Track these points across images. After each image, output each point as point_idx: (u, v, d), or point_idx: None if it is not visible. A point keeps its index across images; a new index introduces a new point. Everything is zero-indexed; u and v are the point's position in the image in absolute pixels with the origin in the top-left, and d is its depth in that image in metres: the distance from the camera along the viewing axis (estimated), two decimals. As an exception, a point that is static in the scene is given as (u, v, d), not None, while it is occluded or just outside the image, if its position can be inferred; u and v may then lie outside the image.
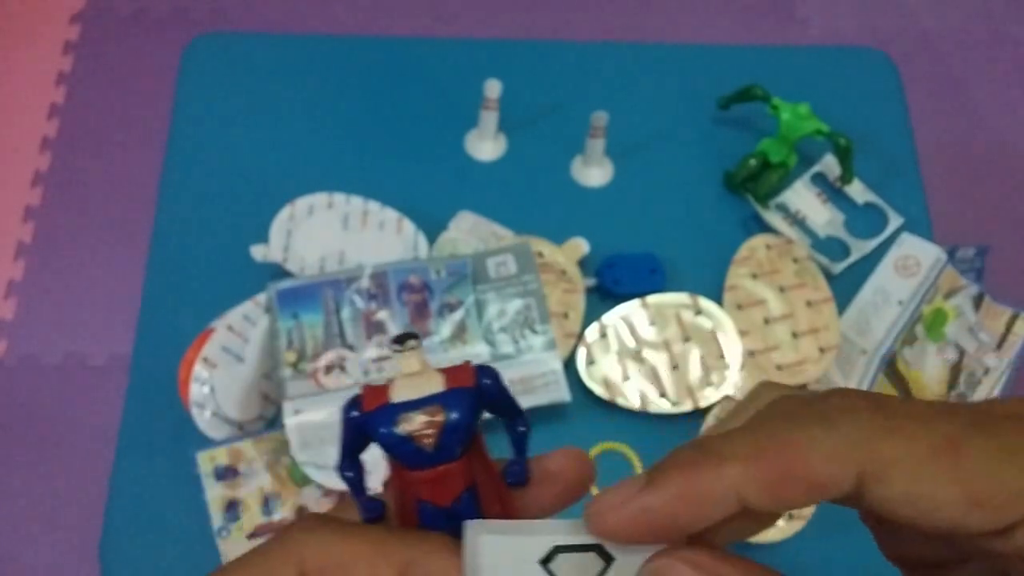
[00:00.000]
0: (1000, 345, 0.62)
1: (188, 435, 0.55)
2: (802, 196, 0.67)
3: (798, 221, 0.67)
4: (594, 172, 0.67)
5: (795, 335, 0.60)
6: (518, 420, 0.25)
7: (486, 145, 0.68)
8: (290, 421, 0.54)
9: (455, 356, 0.57)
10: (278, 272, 0.60)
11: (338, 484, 0.53)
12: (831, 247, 0.66)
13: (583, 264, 0.63)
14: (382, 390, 0.24)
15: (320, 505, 0.54)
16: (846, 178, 0.67)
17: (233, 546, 0.53)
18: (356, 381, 0.55)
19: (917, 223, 0.67)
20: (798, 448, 0.21)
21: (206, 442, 0.55)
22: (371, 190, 0.63)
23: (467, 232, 0.63)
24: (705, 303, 0.61)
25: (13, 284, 1.41)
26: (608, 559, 0.24)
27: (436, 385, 0.24)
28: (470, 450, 0.24)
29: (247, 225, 0.62)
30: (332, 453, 0.54)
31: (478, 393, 0.24)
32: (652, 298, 0.61)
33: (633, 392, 0.58)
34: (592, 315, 0.60)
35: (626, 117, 0.67)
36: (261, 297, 0.58)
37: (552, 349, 0.58)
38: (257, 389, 0.56)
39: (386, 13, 1.64)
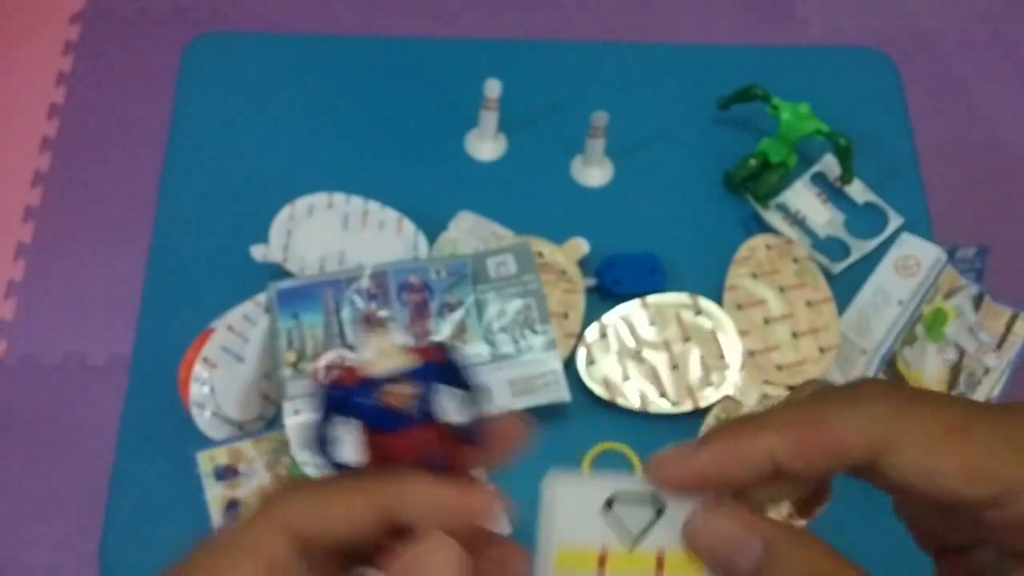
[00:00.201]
0: (1000, 345, 0.62)
1: (188, 435, 0.55)
2: (802, 196, 0.67)
3: (798, 221, 0.67)
4: (594, 172, 0.67)
5: (795, 335, 0.60)
6: (476, 395, 0.28)
7: (486, 145, 0.68)
8: (290, 421, 0.54)
9: (455, 356, 0.57)
10: (278, 272, 0.60)
11: (338, 484, 0.53)
12: (831, 247, 0.66)
13: (583, 264, 0.63)
14: (359, 369, 0.27)
15: (320, 505, 0.54)
16: (846, 178, 0.67)
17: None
18: (356, 381, 0.55)
19: (917, 223, 0.67)
20: (826, 420, 0.25)
21: (206, 442, 0.55)
22: (371, 190, 0.63)
23: (467, 232, 0.63)
24: (705, 303, 0.61)
25: (13, 284, 1.41)
26: (660, 509, 0.28)
27: (409, 361, 0.27)
28: (435, 420, 0.27)
29: (247, 225, 0.62)
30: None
31: (447, 367, 0.27)
32: (652, 298, 0.61)
33: (633, 392, 0.58)
34: (592, 315, 0.60)
35: (626, 117, 0.67)
36: (261, 297, 0.58)
37: (552, 349, 0.58)
38: (257, 389, 0.56)
39: (386, 13, 1.64)
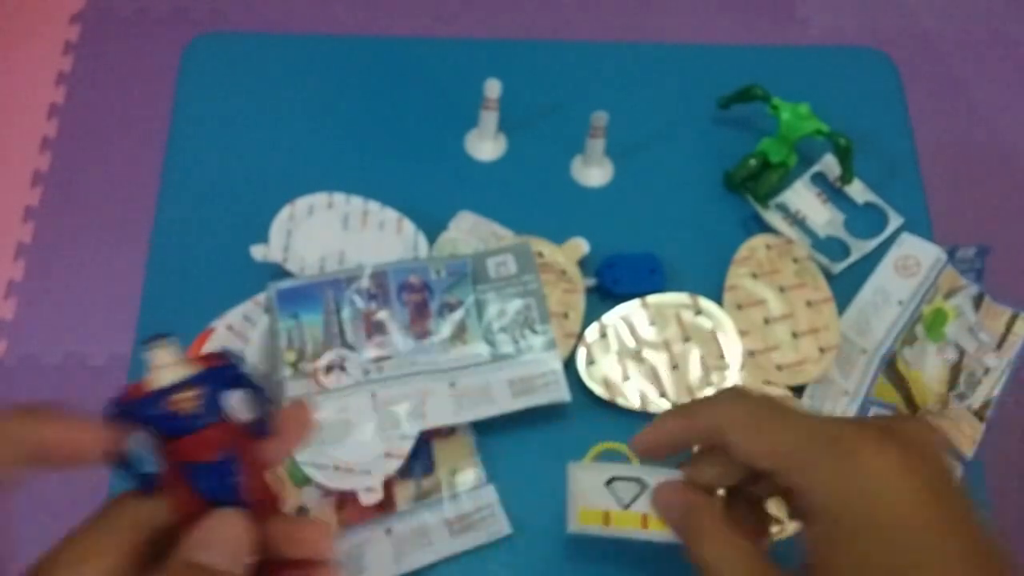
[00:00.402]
0: (1000, 345, 0.62)
1: (188, 435, 0.54)
2: (802, 196, 0.67)
3: (798, 221, 0.67)
4: (594, 172, 0.67)
5: (795, 335, 0.60)
6: (258, 392, 0.31)
7: (486, 145, 0.68)
8: (290, 421, 0.54)
9: (455, 356, 0.57)
10: (278, 272, 0.60)
11: (339, 484, 0.53)
12: (831, 247, 0.66)
13: (583, 264, 0.63)
14: (144, 383, 0.30)
15: (320, 505, 0.54)
16: (846, 178, 0.67)
17: None
18: (356, 381, 0.55)
19: (917, 223, 0.67)
20: (692, 412, 0.42)
21: (206, 442, 0.54)
22: (371, 190, 0.63)
23: (467, 232, 0.63)
24: (705, 303, 0.61)
25: (13, 284, 1.41)
26: (644, 485, 0.45)
27: (191, 369, 0.30)
28: (223, 419, 0.30)
29: (247, 225, 0.62)
30: (332, 453, 0.54)
31: (227, 371, 0.30)
32: (652, 298, 0.61)
33: (633, 392, 0.58)
34: (592, 315, 0.60)
35: (626, 117, 0.67)
36: (261, 297, 0.58)
37: (552, 349, 0.58)
38: (257, 389, 0.56)
39: (386, 13, 1.64)
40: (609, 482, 0.45)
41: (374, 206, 0.63)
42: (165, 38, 1.57)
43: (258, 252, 0.60)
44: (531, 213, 0.65)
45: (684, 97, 0.71)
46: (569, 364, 0.59)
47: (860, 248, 0.65)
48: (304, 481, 0.54)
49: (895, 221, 0.66)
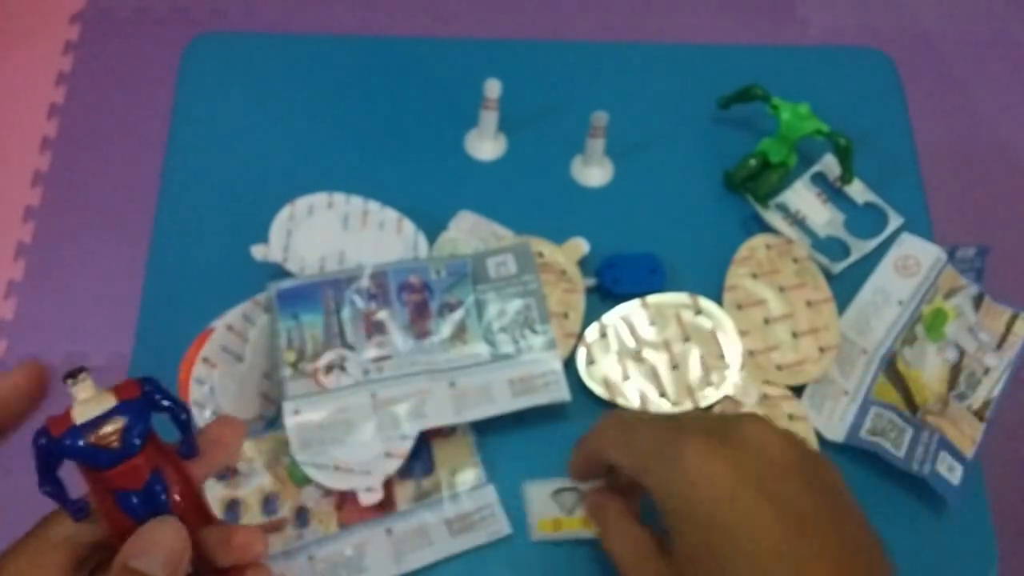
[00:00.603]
0: (1000, 345, 0.62)
1: (188, 435, 0.55)
2: (802, 196, 0.67)
3: (798, 221, 0.67)
4: (594, 172, 0.67)
5: (795, 335, 0.60)
6: (179, 411, 0.32)
7: (486, 145, 0.68)
8: (290, 421, 0.54)
9: (455, 356, 0.57)
10: (278, 272, 0.60)
11: (339, 484, 0.53)
12: (831, 247, 0.66)
13: (583, 264, 0.63)
14: (65, 417, 0.30)
15: (320, 505, 0.54)
16: (846, 178, 0.67)
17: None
18: (356, 381, 0.55)
19: (917, 223, 0.67)
20: (583, 439, 0.51)
21: (206, 442, 0.54)
22: (371, 190, 0.63)
23: (467, 232, 0.63)
24: (705, 303, 0.61)
25: (13, 284, 1.41)
26: (581, 494, 0.54)
27: (110, 402, 0.31)
28: (148, 443, 0.31)
29: (247, 225, 0.62)
30: (332, 453, 0.54)
31: (144, 399, 0.31)
32: (652, 298, 0.61)
33: (633, 392, 0.58)
34: (592, 315, 0.60)
35: (626, 117, 0.67)
36: (261, 297, 0.58)
37: (552, 349, 0.58)
38: (257, 389, 0.56)
39: (386, 13, 1.64)
40: (555, 493, 0.54)
41: (374, 206, 0.63)
42: (165, 38, 1.57)
43: (258, 252, 0.60)
44: (531, 213, 0.65)
45: (684, 97, 0.71)
46: (569, 364, 0.59)
47: (860, 248, 0.65)
48: (304, 481, 0.54)
49: (895, 221, 0.66)
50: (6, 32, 1.61)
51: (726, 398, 0.58)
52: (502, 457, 0.57)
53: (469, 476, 0.56)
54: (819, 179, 0.68)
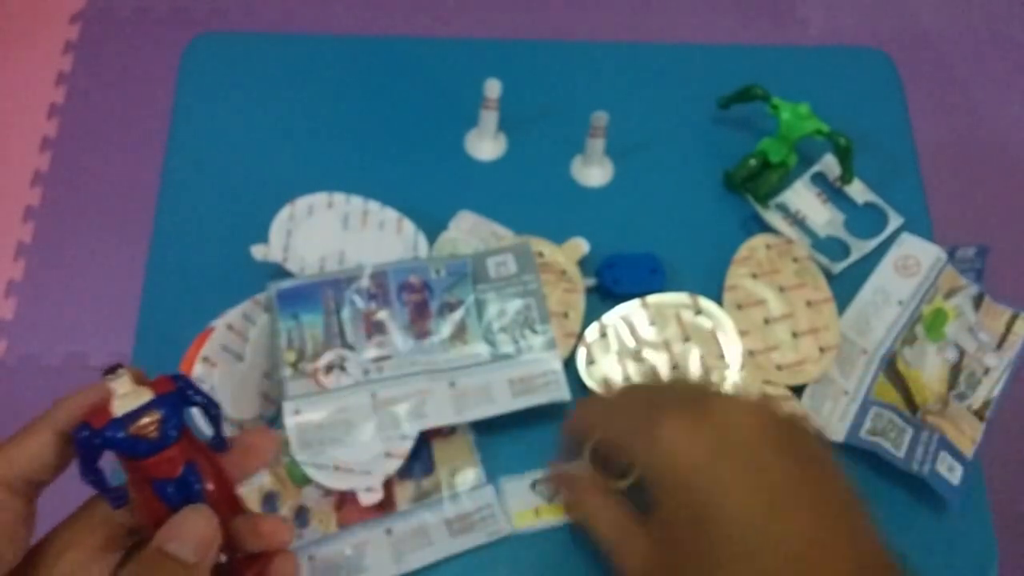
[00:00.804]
0: (1000, 345, 0.62)
1: (188, 435, 0.55)
2: (802, 196, 0.67)
3: (798, 221, 0.67)
4: (594, 172, 0.67)
5: (795, 335, 0.60)
6: (211, 406, 0.35)
7: (486, 145, 0.68)
8: (290, 421, 0.54)
9: (455, 356, 0.57)
10: (278, 272, 0.60)
11: (339, 484, 0.53)
12: (831, 247, 0.66)
13: (583, 264, 0.63)
14: (104, 411, 0.33)
15: (320, 505, 0.54)
16: (846, 178, 0.67)
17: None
18: (356, 381, 0.55)
19: (917, 223, 0.67)
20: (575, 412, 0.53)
21: (206, 442, 0.54)
22: (371, 190, 0.63)
23: (467, 232, 0.63)
24: (705, 303, 0.61)
25: (13, 284, 1.41)
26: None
27: (147, 396, 0.33)
28: (183, 435, 0.33)
29: (247, 225, 0.62)
30: (332, 453, 0.54)
31: (180, 393, 0.34)
32: (652, 298, 0.61)
33: (633, 392, 0.58)
34: (592, 315, 0.60)
35: (626, 117, 0.67)
36: (261, 297, 0.58)
37: (552, 349, 0.58)
38: (257, 389, 0.56)
39: (386, 13, 1.64)
40: (533, 485, 0.56)
41: (374, 206, 0.63)
42: (165, 38, 1.58)
43: (258, 252, 0.60)
44: (531, 213, 0.65)
45: (684, 97, 0.71)
46: (569, 364, 0.59)
47: (860, 248, 0.65)
48: (304, 481, 0.54)
49: (895, 221, 0.66)
50: (6, 32, 1.61)
51: (726, 398, 0.58)
52: (502, 457, 0.57)
53: (469, 476, 0.56)
54: (819, 179, 0.68)
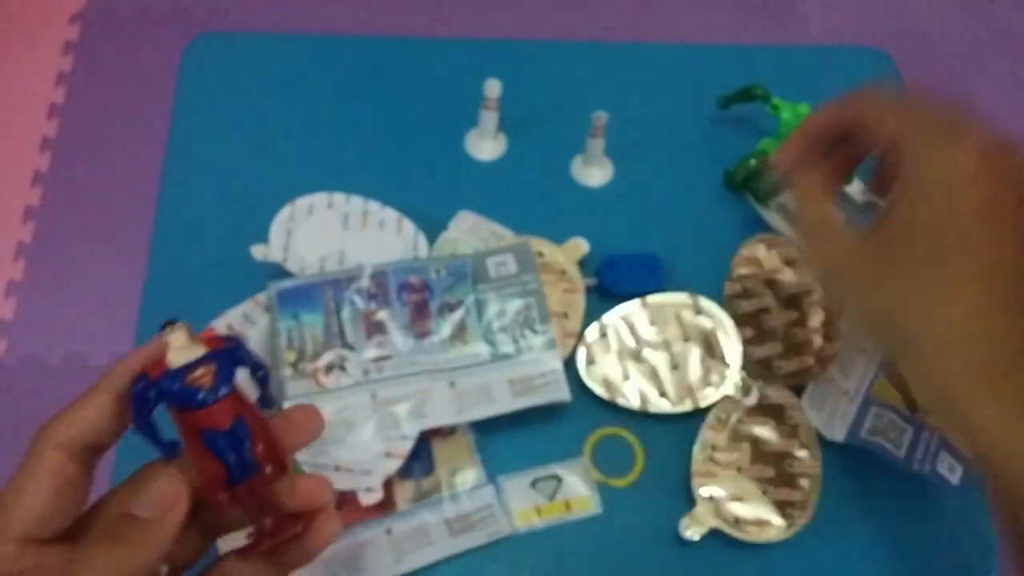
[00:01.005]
0: (1000, 345, 0.61)
1: (188, 435, 0.55)
2: (802, 196, 0.67)
3: (798, 221, 0.67)
4: (594, 172, 0.67)
5: (795, 335, 0.60)
6: (259, 368, 0.37)
7: (486, 145, 0.68)
8: (290, 421, 0.54)
9: (455, 356, 0.57)
10: (278, 272, 0.60)
11: (339, 484, 0.53)
12: (831, 247, 0.65)
13: (583, 264, 0.63)
14: (160, 364, 0.34)
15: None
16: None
17: (234, 544, 0.53)
18: (356, 381, 0.55)
19: (917, 223, 0.66)
20: (855, 100, 0.47)
21: (206, 442, 0.54)
22: (371, 190, 0.63)
23: (467, 232, 0.63)
24: (705, 303, 0.61)
25: (13, 284, 1.41)
26: (559, 480, 0.56)
27: (201, 350, 0.34)
28: (233, 391, 0.34)
29: (247, 225, 0.62)
30: (332, 453, 0.54)
31: (230, 350, 0.35)
32: (652, 298, 0.61)
33: (633, 392, 0.58)
34: (592, 315, 0.60)
35: (626, 117, 0.67)
36: (261, 297, 0.58)
37: (552, 349, 0.58)
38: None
39: (386, 13, 1.64)
40: (533, 484, 0.56)
41: (374, 206, 0.63)
42: (165, 38, 1.58)
43: (258, 252, 0.60)
44: (531, 213, 0.65)
45: (684, 97, 0.71)
46: (569, 364, 0.59)
47: (860, 248, 0.65)
48: (304, 481, 0.54)
49: (895, 221, 0.66)
50: (6, 32, 1.61)
51: (726, 398, 0.58)
52: (502, 457, 0.57)
53: (469, 476, 0.56)
54: (819, 179, 0.68)
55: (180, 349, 0.34)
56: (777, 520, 0.55)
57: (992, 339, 0.39)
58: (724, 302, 0.61)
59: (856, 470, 0.58)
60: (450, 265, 0.59)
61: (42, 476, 0.33)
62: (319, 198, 0.62)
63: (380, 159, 0.67)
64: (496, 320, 0.59)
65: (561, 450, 0.58)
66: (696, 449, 0.57)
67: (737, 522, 0.55)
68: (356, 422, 0.54)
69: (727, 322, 0.60)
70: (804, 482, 0.56)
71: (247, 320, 0.57)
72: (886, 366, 0.59)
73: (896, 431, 0.57)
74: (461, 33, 1.59)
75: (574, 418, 0.58)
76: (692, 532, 0.55)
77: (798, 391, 0.59)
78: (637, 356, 0.59)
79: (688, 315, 0.60)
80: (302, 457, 0.53)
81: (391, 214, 0.63)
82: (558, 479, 0.56)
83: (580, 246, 0.63)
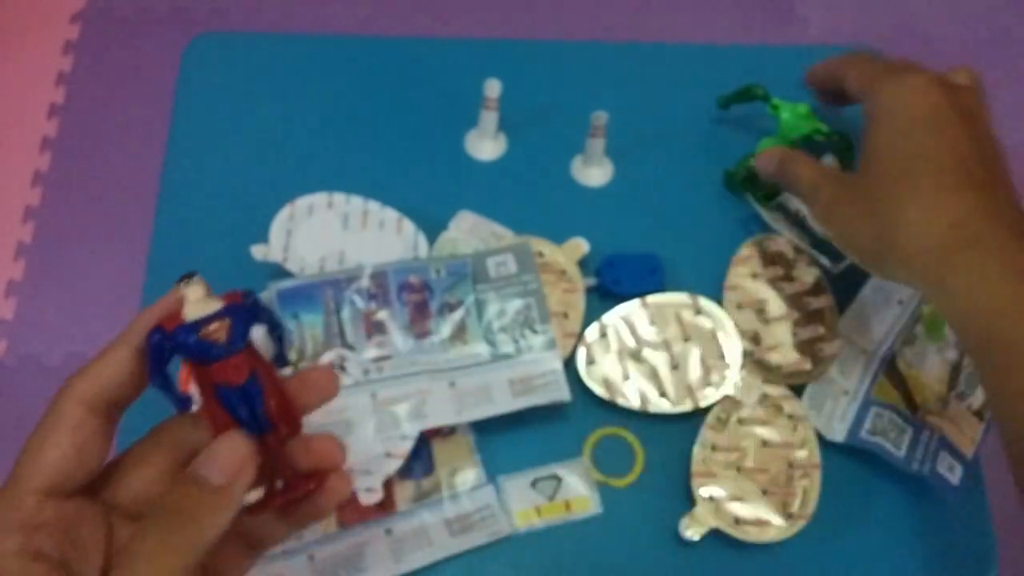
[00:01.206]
0: (1000, 345, 0.62)
1: (188, 435, 0.54)
2: (802, 196, 0.67)
3: (798, 221, 0.66)
4: (594, 172, 0.67)
5: (795, 335, 0.60)
6: (277, 326, 0.36)
7: (486, 145, 0.68)
8: (290, 421, 0.54)
9: (455, 356, 0.57)
10: (278, 272, 0.60)
11: (338, 484, 0.53)
12: (831, 247, 0.65)
13: (583, 264, 0.63)
14: (176, 317, 0.34)
15: (320, 505, 0.54)
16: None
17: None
18: (356, 381, 0.55)
19: (917, 223, 0.66)
20: (837, 63, 0.63)
21: (206, 442, 0.54)
22: (371, 190, 0.63)
23: (467, 232, 0.63)
24: (705, 303, 0.61)
25: (13, 284, 1.42)
26: (559, 480, 0.56)
27: (217, 304, 0.34)
28: (248, 347, 0.34)
29: (247, 225, 0.62)
30: (332, 453, 0.54)
31: (247, 306, 0.35)
32: (652, 298, 0.61)
33: (633, 392, 0.58)
34: (592, 315, 0.60)
35: (626, 117, 0.67)
36: (261, 297, 0.58)
37: (552, 349, 0.58)
38: (257, 389, 0.56)
39: (386, 13, 1.64)
40: (533, 484, 0.56)
41: (374, 206, 0.63)
42: (165, 38, 1.57)
43: (258, 252, 0.60)
44: (531, 213, 0.65)
45: (684, 97, 0.71)
46: (569, 364, 0.59)
47: (860, 248, 0.65)
48: (304, 481, 0.54)
49: (895, 221, 0.66)
50: (6, 32, 1.61)
51: (726, 398, 0.58)
52: (502, 457, 0.57)
53: (469, 476, 0.56)
54: (819, 179, 0.68)
55: (196, 303, 0.34)
56: (777, 520, 0.55)
57: (947, 224, 0.48)
58: (724, 302, 0.61)
59: (856, 470, 0.58)
60: (450, 265, 0.59)
61: (62, 430, 0.33)
62: (319, 198, 0.62)
63: (380, 159, 0.67)
64: (496, 320, 0.59)
65: (561, 450, 0.58)
66: (696, 449, 0.57)
67: (737, 522, 0.55)
68: (356, 422, 0.54)
69: (727, 322, 0.60)
70: (804, 482, 0.56)
71: (247, 320, 0.57)
72: (886, 366, 0.59)
73: (896, 431, 0.57)
74: (461, 33, 1.59)
75: (574, 418, 0.58)
76: (692, 532, 0.55)
77: (798, 391, 0.59)
78: (637, 356, 0.59)
79: (688, 315, 0.60)
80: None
81: (391, 214, 0.63)
82: (558, 479, 0.56)
83: (580, 246, 0.63)
